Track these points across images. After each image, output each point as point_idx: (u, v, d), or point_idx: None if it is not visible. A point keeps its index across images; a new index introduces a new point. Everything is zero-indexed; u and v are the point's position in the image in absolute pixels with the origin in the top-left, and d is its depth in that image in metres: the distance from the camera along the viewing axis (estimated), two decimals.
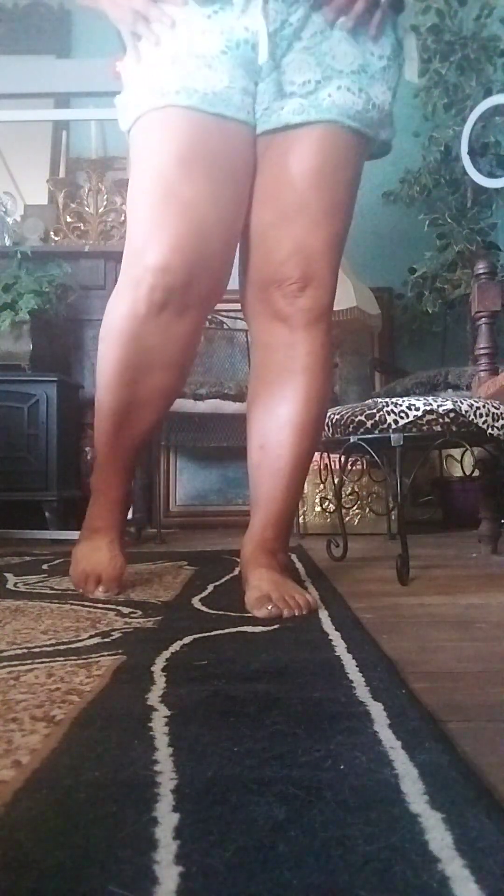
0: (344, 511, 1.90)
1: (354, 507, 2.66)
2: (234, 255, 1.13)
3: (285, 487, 1.13)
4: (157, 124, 1.05)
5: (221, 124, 1.05)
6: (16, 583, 1.36)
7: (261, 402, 1.16)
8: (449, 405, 1.43)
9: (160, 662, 0.72)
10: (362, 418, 1.48)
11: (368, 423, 1.47)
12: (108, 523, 1.21)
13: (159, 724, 0.53)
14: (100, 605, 1.07)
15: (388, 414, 1.44)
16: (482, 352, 1.97)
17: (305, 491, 2.81)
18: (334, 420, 1.57)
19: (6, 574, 1.47)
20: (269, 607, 0.96)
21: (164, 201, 1.04)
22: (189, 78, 1.03)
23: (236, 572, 1.44)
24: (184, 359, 1.18)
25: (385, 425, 1.44)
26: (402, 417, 1.43)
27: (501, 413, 1.49)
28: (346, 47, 1.05)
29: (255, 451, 1.16)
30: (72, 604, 1.09)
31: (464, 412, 1.43)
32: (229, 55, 1.03)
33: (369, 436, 1.48)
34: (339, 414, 1.56)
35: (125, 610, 1.03)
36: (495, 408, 1.49)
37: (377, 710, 0.55)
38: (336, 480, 1.81)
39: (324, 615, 0.96)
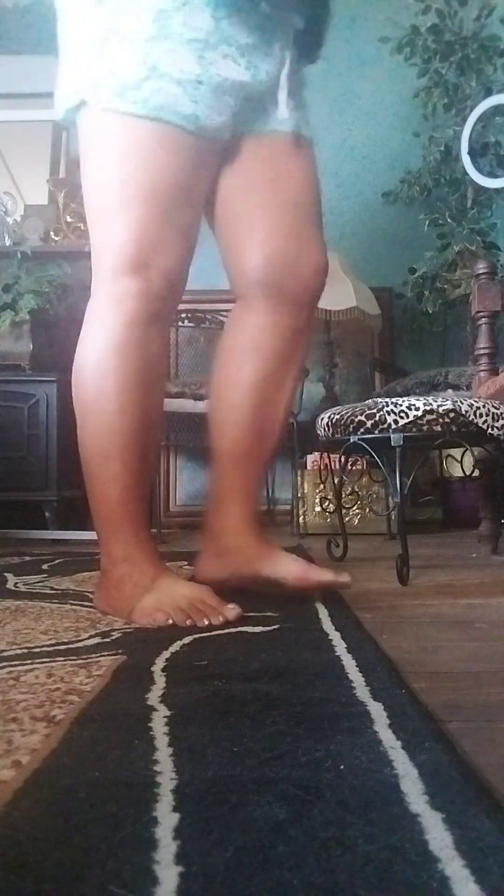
0: (344, 511, 1.90)
1: (354, 507, 2.66)
2: None
3: (264, 468, 1.23)
4: (140, 139, 1.02)
5: (200, 144, 1.06)
6: (16, 583, 1.36)
7: (261, 393, 1.18)
8: (449, 405, 1.43)
9: (160, 662, 0.72)
10: (362, 418, 1.48)
11: (368, 423, 1.47)
12: (154, 555, 1.04)
13: (159, 724, 0.53)
14: None
15: (388, 414, 1.44)
16: (482, 352, 1.97)
17: (305, 491, 2.81)
18: (334, 420, 1.57)
19: (6, 574, 1.47)
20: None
21: (163, 222, 1.05)
22: (182, 97, 1.00)
23: None
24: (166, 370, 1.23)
25: (385, 425, 1.44)
26: (402, 417, 1.43)
27: (501, 413, 1.49)
28: (299, 87, 1.18)
29: (249, 440, 1.20)
30: (72, 604, 1.09)
31: (464, 412, 1.43)
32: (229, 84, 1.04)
33: (369, 436, 1.48)
34: (339, 414, 1.56)
35: None
36: (495, 408, 1.49)
37: (377, 710, 0.55)
38: (336, 480, 1.81)
39: (324, 615, 0.96)
